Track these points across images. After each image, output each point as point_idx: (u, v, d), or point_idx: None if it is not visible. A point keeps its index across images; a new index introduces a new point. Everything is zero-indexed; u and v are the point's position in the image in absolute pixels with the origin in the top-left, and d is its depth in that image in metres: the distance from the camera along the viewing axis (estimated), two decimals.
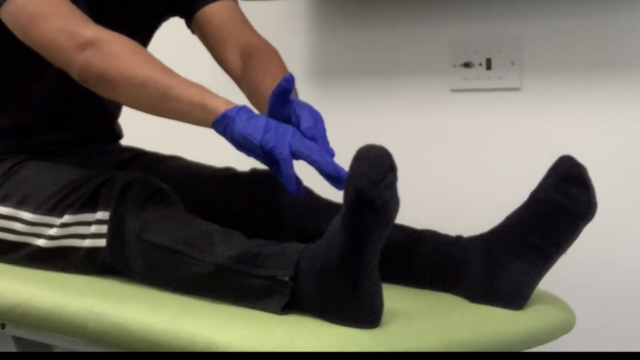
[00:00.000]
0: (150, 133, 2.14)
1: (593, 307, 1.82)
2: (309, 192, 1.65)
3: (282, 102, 1.35)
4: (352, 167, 1.20)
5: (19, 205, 1.56)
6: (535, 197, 1.42)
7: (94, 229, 1.47)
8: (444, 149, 2.02)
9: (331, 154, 1.34)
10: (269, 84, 1.55)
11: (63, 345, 1.44)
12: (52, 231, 1.51)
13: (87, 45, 1.47)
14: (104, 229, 1.46)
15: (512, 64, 1.93)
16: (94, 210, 1.48)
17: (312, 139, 1.32)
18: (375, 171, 1.18)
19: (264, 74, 1.62)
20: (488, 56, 1.96)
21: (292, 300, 1.27)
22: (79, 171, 1.57)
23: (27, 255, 1.55)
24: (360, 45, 2.13)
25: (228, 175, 1.72)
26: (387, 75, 2.09)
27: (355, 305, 1.21)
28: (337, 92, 2.17)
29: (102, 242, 1.46)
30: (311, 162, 1.30)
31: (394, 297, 1.29)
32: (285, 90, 1.34)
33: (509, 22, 1.94)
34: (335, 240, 1.22)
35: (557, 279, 1.63)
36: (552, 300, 1.51)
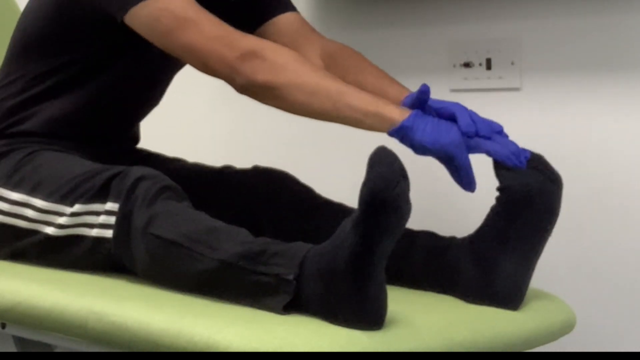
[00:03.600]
0: (152, 135, 2.14)
1: (593, 307, 1.82)
2: (309, 191, 1.66)
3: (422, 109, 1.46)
4: (368, 168, 1.22)
5: (31, 192, 1.56)
6: (502, 189, 1.44)
7: (102, 219, 1.47)
8: None
9: (498, 130, 1.46)
10: (374, 83, 1.63)
11: (63, 345, 1.44)
12: (62, 220, 1.51)
13: (249, 54, 1.48)
14: (112, 220, 1.46)
15: (512, 64, 1.93)
16: (104, 201, 1.48)
17: (477, 133, 1.42)
18: (390, 175, 1.21)
19: (364, 74, 1.66)
20: (488, 56, 1.96)
21: (294, 300, 1.27)
22: (93, 164, 1.58)
23: (36, 244, 1.55)
24: (360, 45, 2.12)
25: (229, 173, 1.73)
26: None
27: (361, 307, 1.22)
28: None
29: (108, 233, 1.46)
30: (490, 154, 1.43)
31: (393, 297, 1.29)
32: (424, 102, 1.46)
33: (509, 22, 1.94)
34: (345, 241, 1.22)
35: (557, 279, 1.63)
36: (552, 300, 1.51)
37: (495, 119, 1.95)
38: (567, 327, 1.48)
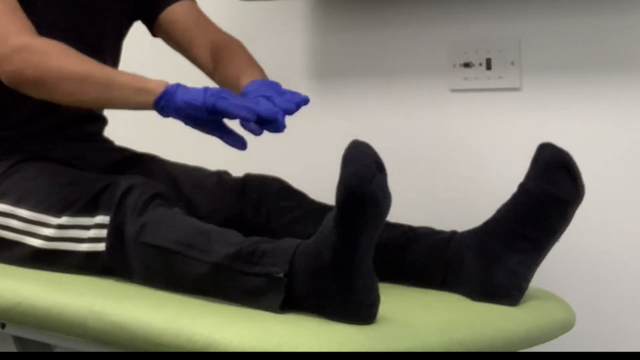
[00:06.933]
0: (143, 134, 2.14)
1: (593, 307, 1.82)
2: (302, 197, 1.67)
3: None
4: (342, 166, 1.21)
5: (17, 203, 1.56)
6: (523, 188, 1.44)
7: (92, 233, 1.48)
8: (444, 149, 2.02)
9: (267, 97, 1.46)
10: (235, 72, 1.67)
11: (63, 345, 1.44)
12: (48, 231, 1.52)
13: (17, 50, 1.52)
14: (103, 233, 1.46)
15: (512, 64, 1.93)
16: (92, 214, 1.48)
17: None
18: (365, 171, 1.19)
19: (231, 66, 1.72)
20: (488, 56, 1.96)
21: (290, 298, 1.27)
22: (80, 173, 1.58)
23: (24, 256, 1.55)
24: (360, 45, 2.13)
25: (223, 181, 1.73)
26: (387, 75, 2.09)
27: (350, 302, 1.22)
28: (337, 92, 2.17)
29: (101, 247, 1.47)
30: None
31: (393, 295, 1.29)
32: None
33: (509, 22, 1.94)
34: (328, 238, 1.22)
35: (557, 278, 1.63)
36: (552, 298, 1.51)
37: (495, 119, 1.96)
38: (566, 326, 1.48)
